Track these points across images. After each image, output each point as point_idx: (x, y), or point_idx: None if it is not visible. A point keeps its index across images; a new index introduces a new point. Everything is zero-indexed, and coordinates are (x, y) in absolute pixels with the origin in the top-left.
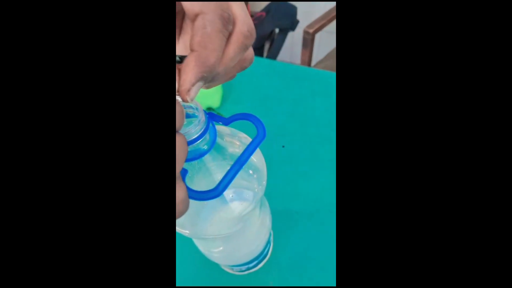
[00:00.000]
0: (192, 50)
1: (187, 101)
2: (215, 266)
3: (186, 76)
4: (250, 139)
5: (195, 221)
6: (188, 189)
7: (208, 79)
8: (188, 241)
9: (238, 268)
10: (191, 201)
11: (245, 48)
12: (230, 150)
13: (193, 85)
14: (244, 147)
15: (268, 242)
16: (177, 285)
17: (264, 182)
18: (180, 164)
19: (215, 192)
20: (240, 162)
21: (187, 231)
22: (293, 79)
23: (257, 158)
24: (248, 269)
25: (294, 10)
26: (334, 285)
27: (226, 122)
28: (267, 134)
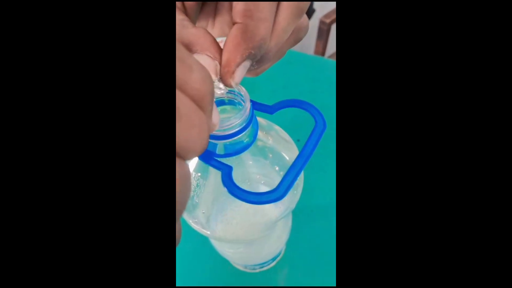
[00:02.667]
0: (235, 22)
1: (230, 86)
2: (223, 264)
3: (230, 55)
4: (286, 134)
5: (222, 222)
6: (242, 190)
7: (256, 57)
8: (190, 239)
9: (252, 267)
10: (222, 201)
11: (301, 14)
12: (268, 144)
13: (238, 65)
14: (282, 141)
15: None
16: (177, 285)
17: (301, 183)
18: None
19: (276, 194)
20: (303, 157)
21: (208, 232)
22: (308, 69)
23: (294, 156)
24: (261, 267)
25: None
26: None
27: (271, 110)
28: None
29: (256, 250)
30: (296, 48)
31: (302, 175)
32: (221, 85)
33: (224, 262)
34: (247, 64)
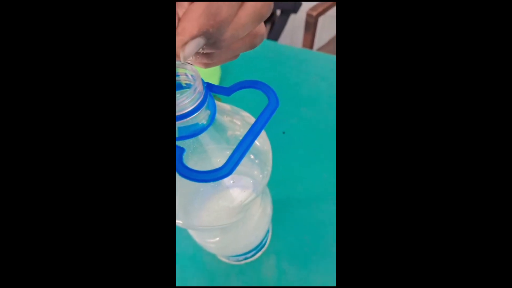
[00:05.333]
0: None
1: (178, 58)
2: (210, 256)
3: (188, 24)
4: (254, 119)
5: (188, 210)
6: (189, 169)
7: (212, 39)
8: (181, 232)
9: (235, 258)
10: (184, 187)
11: (260, 18)
12: (232, 129)
13: (193, 38)
14: (248, 126)
15: (268, 231)
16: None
17: (269, 168)
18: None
19: (223, 171)
20: (253, 133)
21: (180, 221)
22: (296, 62)
23: (261, 140)
24: (246, 259)
25: None
26: (335, 275)
27: (228, 92)
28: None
29: (233, 238)
30: (285, 41)
31: (270, 159)
32: None
33: (208, 255)
34: (201, 41)
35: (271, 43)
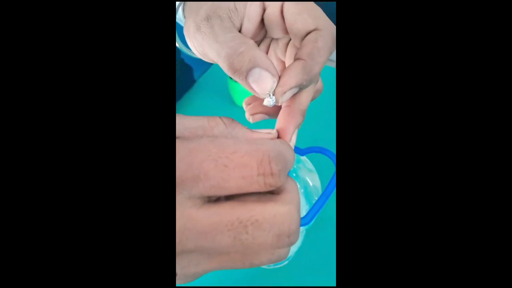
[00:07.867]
0: (299, 59)
1: (278, 102)
2: None
3: (288, 79)
4: (310, 163)
5: None
6: None
7: (304, 87)
8: None
9: None
10: None
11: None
12: (295, 172)
13: (291, 88)
14: (307, 170)
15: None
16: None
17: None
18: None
19: (305, 220)
20: (328, 192)
21: None
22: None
23: (319, 184)
24: (276, 264)
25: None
26: None
27: (302, 152)
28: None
29: None
30: None
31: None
32: (272, 100)
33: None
34: (295, 90)
35: None
